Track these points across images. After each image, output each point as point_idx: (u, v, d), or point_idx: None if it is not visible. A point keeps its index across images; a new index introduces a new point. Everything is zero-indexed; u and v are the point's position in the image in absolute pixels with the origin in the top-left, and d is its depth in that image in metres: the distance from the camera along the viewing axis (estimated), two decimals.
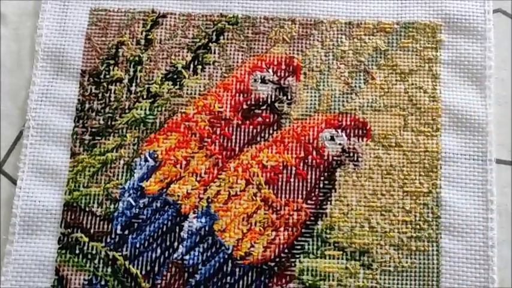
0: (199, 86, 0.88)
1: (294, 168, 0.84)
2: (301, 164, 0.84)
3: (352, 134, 0.86)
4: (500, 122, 0.87)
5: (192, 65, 0.89)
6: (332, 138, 0.85)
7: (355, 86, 0.88)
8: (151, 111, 0.87)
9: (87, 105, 0.87)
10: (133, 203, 0.83)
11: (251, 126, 0.86)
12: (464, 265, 0.81)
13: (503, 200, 0.84)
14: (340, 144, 0.85)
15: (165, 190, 0.84)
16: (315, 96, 0.87)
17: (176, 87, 0.88)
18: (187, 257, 0.81)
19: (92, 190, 0.84)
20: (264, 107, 0.87)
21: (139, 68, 0.89)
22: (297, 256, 0.81)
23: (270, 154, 0.85)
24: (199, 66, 0.89)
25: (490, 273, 0.80)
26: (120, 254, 0.81)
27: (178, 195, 0.83)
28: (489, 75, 0.88)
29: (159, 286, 0.80)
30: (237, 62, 0.89)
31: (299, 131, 0.86)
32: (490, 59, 0.88)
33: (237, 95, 0.88)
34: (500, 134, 0.87)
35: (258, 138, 0.86)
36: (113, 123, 0.86)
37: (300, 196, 0.83)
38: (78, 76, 0.88)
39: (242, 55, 0.89)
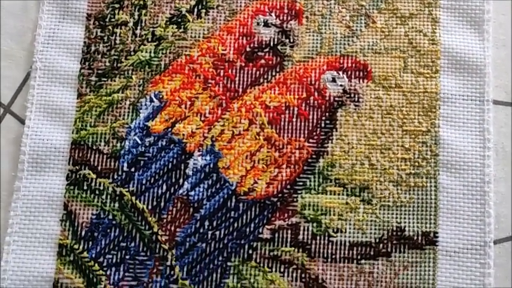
0: (203, 29, 0.90)
1: (296, 109, 0.86)
2: (303, 105, 0.86)
3: (353, 76, 0.88)
4: (498, 65, 0.90)
5: (196, 9, 0.91)
6: (333, 80, 0.88)
7: (356, 30, 0.90)
8: (156, 54, 0.89)
9: (93, 48, 0.89)
10: (139, 142, 0.85)
11: (254, 68, 0.88)
12: (462, 200, 0.84)
13: (500, 139, 0.87)
14: (341, 85, 0.87)
15: (170, 129, 0.86)
16: (317, 39, 0.89)
17: (180, 30, 0.89)
18: (192, 193, 0.83)
19: (98, 129, 0.86)
20: (267, 50, 0.89)
21: (144, 11, 0.90)
22: (299, 192, 0.84)
23: (272, 95, 0.87)
24: (203, 10, 0.91)
25: (486, 207, 0.83)
26: (127, 190, 0.84)
27: (183, 134, 0.85)
28: (487, 19, 0.90)
29: (165, 220, 0.83)
30: (240, 6, 0.91)
31: (301, 73, 0.88)
32: (488, 3, 0.90)
33: (240, 38, 0.89)
34: (498, 76, 0.89)
35: (261, 80, 0.88)
36: (119, 65, 0.88)
37: (302, 135, 0.85)
38: (83, 19, 0.90)
39: None
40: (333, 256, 0.82)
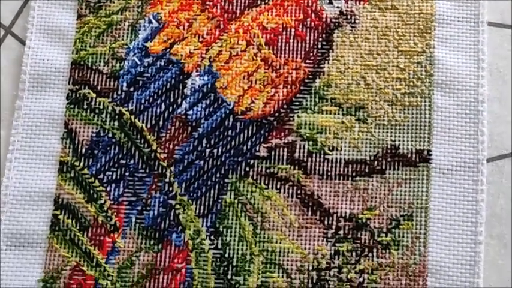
0: None
1: (293, 30, 0.86)
2: (300, 26, 0.86)
3: None
4: None
5: None
6: (330, 2, 0.87)
7: None
8: None
9: None
10: (138, 62, 0.85)
11: None
12: (455, 119, 0.84)
13: (494, 60, 0.87)
14: (338, 7, 0.87)
15: (168, 50, 0.86)
16: None
17: None
18: (190, 112, 0.84)
19: (98, 50, 0.86)
20: None
21: None
22: (295, 111, 0.84)
23: (270, 17, 0.87)
24: None
25: (479, 126, 0.83)
26: (126, 109, 0.84)
27: (182, 55, 0.85)
28: None
29: (163, 139, 0.83)
30: None
31: None
32: None
33: None
34: None
35: (259, 2, 0.87)
36: None
37: (298, 56, 0.85)
38: None
39: None
40: (328, 173, 0.82)
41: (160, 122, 0.84)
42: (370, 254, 0.80)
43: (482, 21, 0.87)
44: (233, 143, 0.83)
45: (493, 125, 0.85)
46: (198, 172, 0.82)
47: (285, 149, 0.83)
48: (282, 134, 0.83)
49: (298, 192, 0.82)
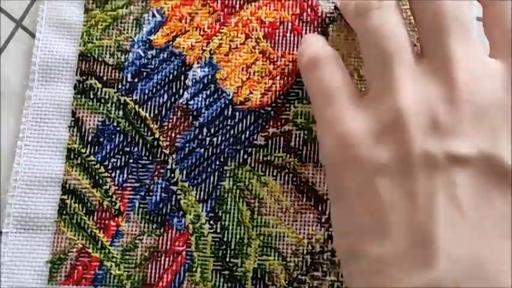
0: None
1: (290, 24, 0.88)
2: (297, 20, 0.88)
3: None
4: None
5: None
6: None
7: None
8: None
9: None
10: (142, 54, 0.87)
11: None
12: None
13: None
14: (333, 2, 0.88)
15: (171, 43, 0.88)
16: None
17: None
18: (191, 102, 0.86)
19: (104, 42, 0.88)
20: None
21: None
22: (292, 102, 0.86)
23: (268, 11, 0.88)
24: None
25: None
26: (130, 98, 0.86)
27: (183, 47, 0.87)
28: None
29: (166, 127, 0.85)
30: None
31: None
32: None
33: None
34: None
35: None
36: None
37: (295, 49, 0.87)
38: None
39: None
40: None
41: (163, 112, 0.86)
42: None
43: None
44: (232, 131, 0.85)
45: None
46: (199, 160, 0.84)
47: (282, 138, 0.85)
48: (279, 123, 0.85)
49: (294, 179, 0.84)
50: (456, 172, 0.51)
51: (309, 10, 0.88)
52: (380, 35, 0.70)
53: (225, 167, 0.84)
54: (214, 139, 0.85)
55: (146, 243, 0.83)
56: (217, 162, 0.84)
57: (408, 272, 0.49)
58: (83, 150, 0.85)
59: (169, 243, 0.83)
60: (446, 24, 0.66)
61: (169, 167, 0.84)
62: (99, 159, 0.85)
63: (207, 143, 0.84)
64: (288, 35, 0.87)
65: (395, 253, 0.51)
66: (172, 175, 0.84)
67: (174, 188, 0.84)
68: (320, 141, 0.72)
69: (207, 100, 0.85)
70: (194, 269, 0.81)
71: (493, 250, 0.51)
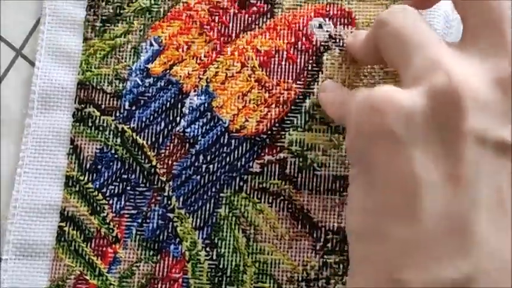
0: None
1: (285, 53, 0.89)
2: (292, 49, 0.89)
3: (338, 23, 0.89)
4: None
5: None
6: (320, 26, 0.90)
7: None
8: (156, 1, 0.91)
9: None
10: (140, 82, 0.88)
11: (246, 15, 0.90)
12: None
13: None
14: (327, 31, 0.89)
15: (168, 71, 0.89)
16: None
17: None
18: (188, 129, 0.87)
19: (102, 71, 0.89)
20: None
21: None
22: (287, 129, 0.86)
23: (263, 40, 0.89)
24: None
25: None
26: (128, 126, 0.87)
27: (180, 76, 0.88)
28: None
29: (163, 155, 0.86)
30: None
31: (290, 20, 0.90)
32: None
33: None
34: None
35: (253, 26, 0.90)
36: (121, 11, 0.90)
37: (290, 77, 0.88)
38: None
39: None
40: (317, 188, 0.84)
41: (160, 139, 0.87)
42: None
43: None
44: (228, 159, 0.86)
45: None
46: (195, 187, 0.85)
47: (277, 165, 0.85)
48: (274, 150, 0.86)
49: (289, 206, 0.84)
50: (504, 161, 0.47)
51: (303, 39, 0.89)
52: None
53: (221, 194, 0.85)
54: (211, 166, 0.85)
55: (143, 270, 0.83)
56: (214, 189, 0.85)
57: (438, 259, 0.45)
58: (81, 178, 0.86)
59: (166, 270, 0.83)
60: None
61: (166, 194, 0.85)
62: (97, 186, 0.86)
63: (203, 170, 0.85)
64: (283, 63, 0.88)
65: (426, 238, 0.46)
66: (169, 202, 0.85)
67: (170, 215, 0.84)
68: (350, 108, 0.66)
69: (204, 128, 0.86)
70: None
71: None
